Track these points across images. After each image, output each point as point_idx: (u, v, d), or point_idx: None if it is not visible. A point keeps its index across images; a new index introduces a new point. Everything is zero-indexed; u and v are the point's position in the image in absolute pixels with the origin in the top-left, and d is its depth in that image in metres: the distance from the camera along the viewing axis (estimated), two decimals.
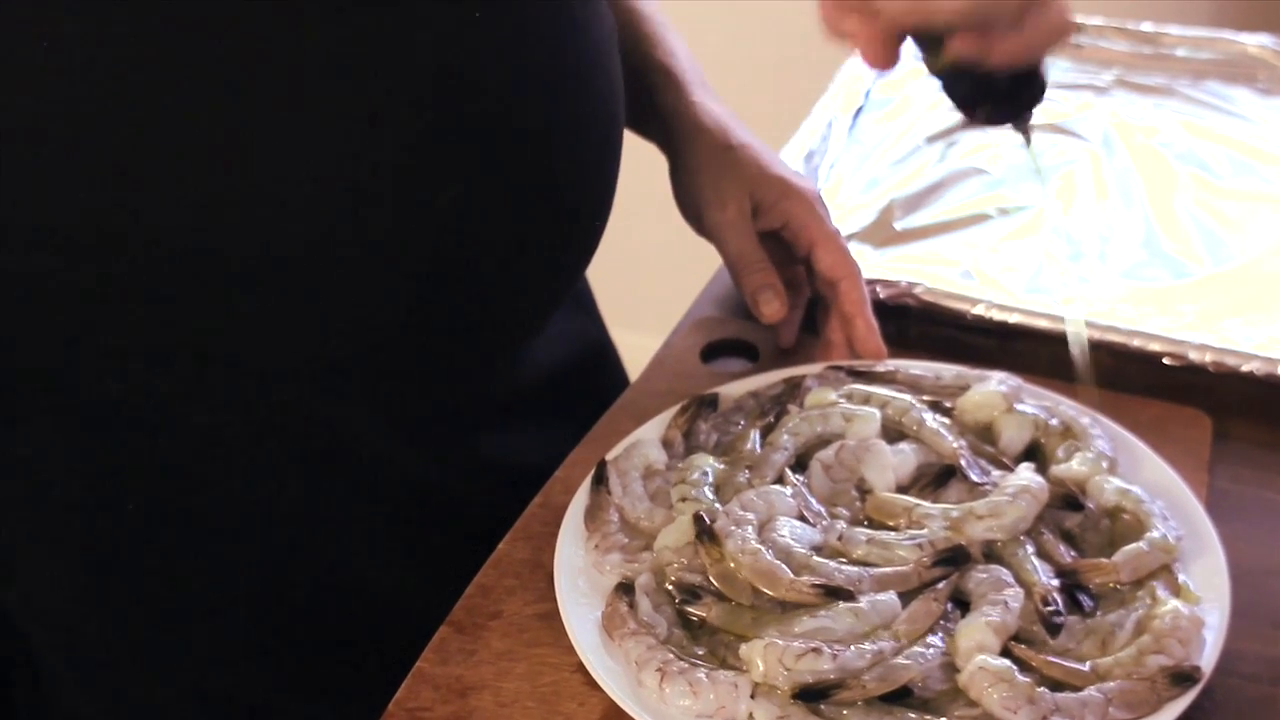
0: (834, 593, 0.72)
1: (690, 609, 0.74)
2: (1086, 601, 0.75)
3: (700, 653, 0.73)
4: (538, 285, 0.86)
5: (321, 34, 0.71)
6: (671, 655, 0.71)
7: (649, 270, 1.99)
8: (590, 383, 1.02)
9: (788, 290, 0.95)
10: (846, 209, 1.13)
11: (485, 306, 0.82)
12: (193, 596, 0.86)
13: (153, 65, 0.69)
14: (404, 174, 0.74)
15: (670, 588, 0.75)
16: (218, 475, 0.83)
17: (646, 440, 0.85)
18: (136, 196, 0.71)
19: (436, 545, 0.89)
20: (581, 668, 0.73)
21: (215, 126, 0.71)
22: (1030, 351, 0.98)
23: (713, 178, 0.96)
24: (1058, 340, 0.97)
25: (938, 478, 0.81)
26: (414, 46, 0.73)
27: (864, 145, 1.21)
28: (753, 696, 0.69)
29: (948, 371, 0.90)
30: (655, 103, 1.00)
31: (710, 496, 0.79)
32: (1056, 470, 0.82)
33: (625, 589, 0.75)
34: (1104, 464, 0.82)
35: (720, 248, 0.97)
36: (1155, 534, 0.77)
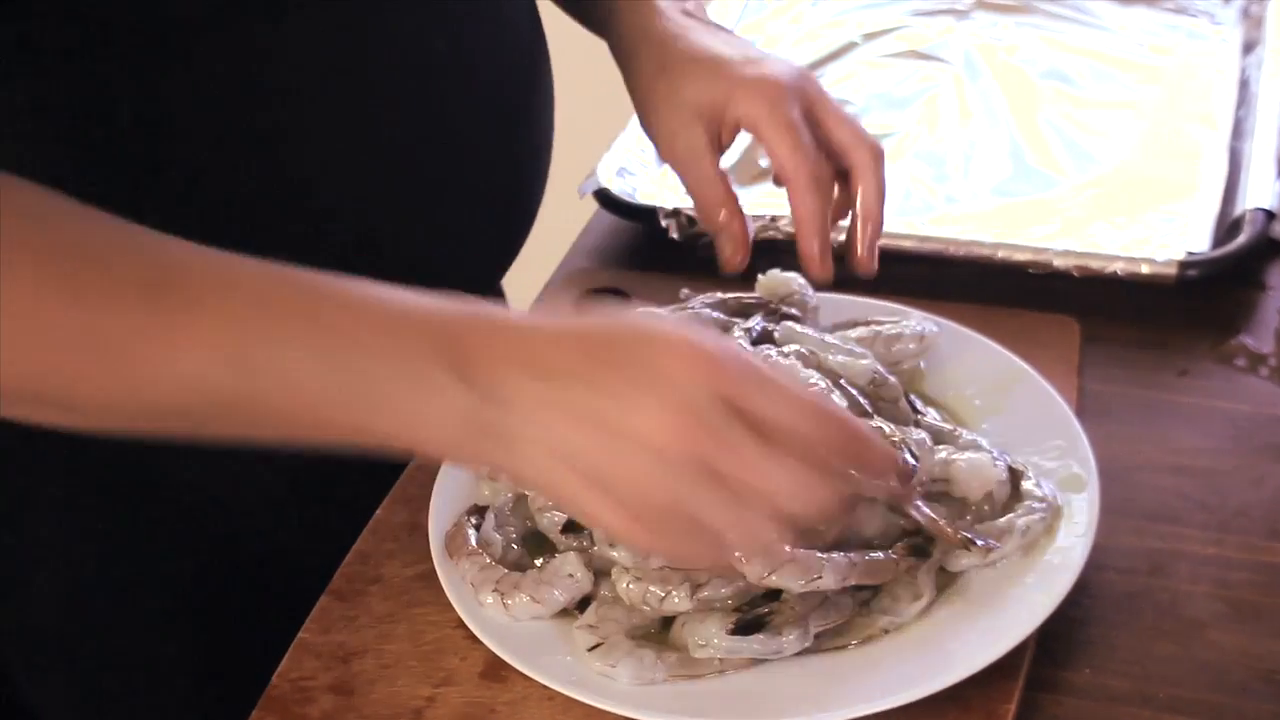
0: None
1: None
2: None
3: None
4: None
5: None
6: (505, 572, 0.72)
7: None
8: None
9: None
10: None
11: None
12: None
13: None
14: None
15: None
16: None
17: None
18: None
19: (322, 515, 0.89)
20: (463, 623, 0.73)
21: None
22: (902, 274, 0.98)
23: (657, 110, 0.87)
24: (927, 261, 0.98)
25: None
26: None
27: None
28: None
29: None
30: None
31: None
32: None
33: (477, 510, 0.77)
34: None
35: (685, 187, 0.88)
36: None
